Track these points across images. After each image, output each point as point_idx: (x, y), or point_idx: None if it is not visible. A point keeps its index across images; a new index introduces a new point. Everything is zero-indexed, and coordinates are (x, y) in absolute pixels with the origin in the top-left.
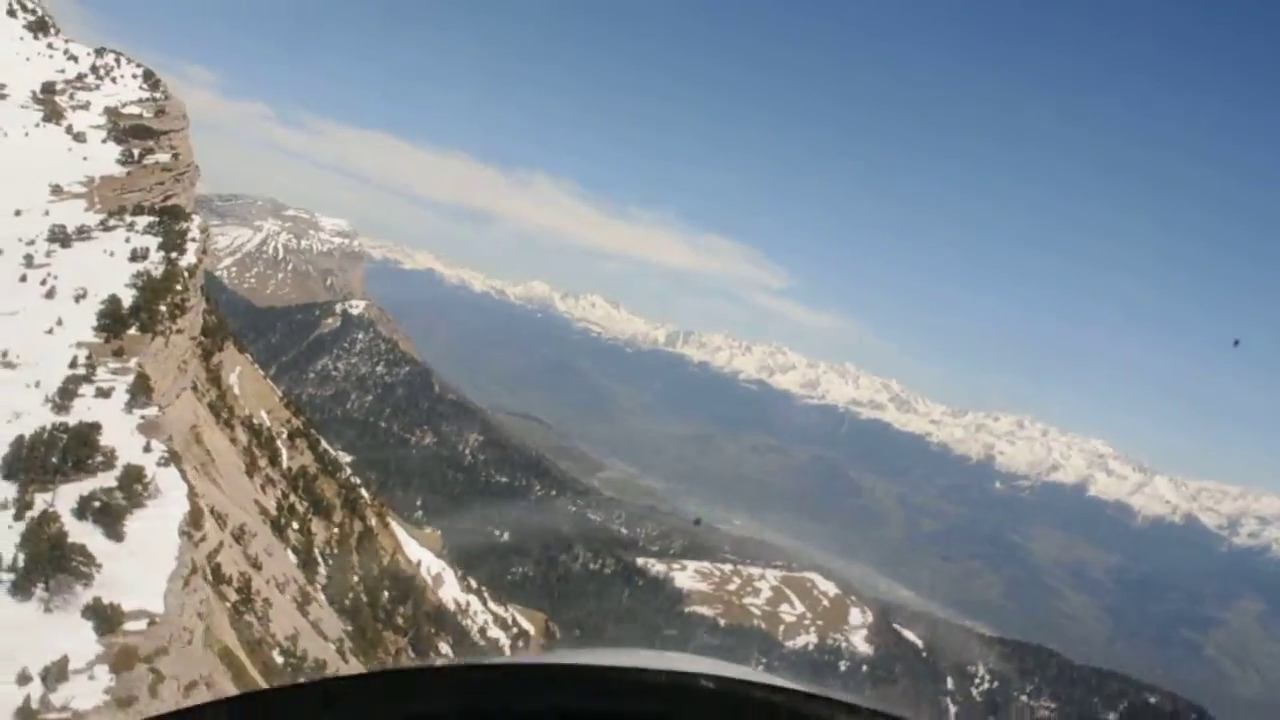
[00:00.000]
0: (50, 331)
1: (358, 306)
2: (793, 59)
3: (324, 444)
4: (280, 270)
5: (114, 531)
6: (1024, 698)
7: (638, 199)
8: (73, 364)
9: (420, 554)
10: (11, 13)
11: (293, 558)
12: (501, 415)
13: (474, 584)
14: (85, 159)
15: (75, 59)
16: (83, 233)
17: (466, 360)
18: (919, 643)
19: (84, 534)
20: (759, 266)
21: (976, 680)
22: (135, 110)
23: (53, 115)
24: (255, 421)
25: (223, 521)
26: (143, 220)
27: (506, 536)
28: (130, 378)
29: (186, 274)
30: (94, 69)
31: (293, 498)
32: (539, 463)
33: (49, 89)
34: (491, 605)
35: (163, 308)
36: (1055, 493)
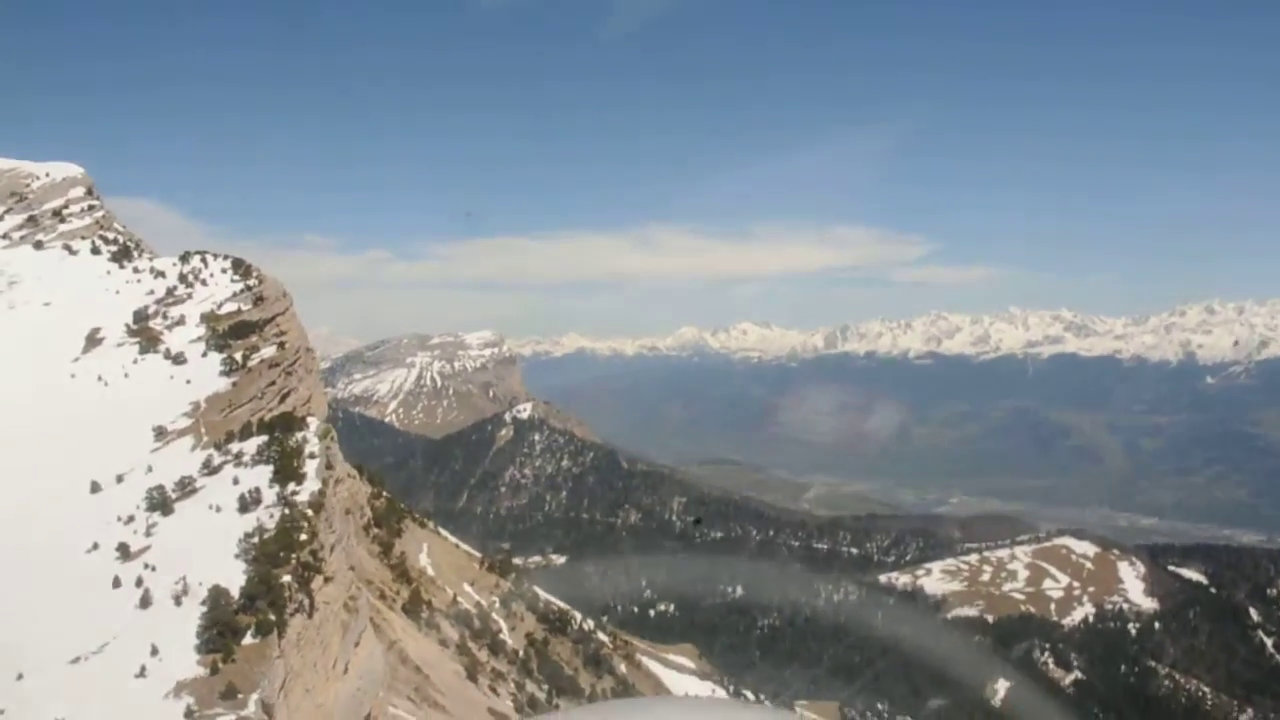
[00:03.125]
0: (142, 673)
1: (525, 409)
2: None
3: (542, 596)
4: (443, 397)
5: None
6: None
7: (756, 215)
8: None
9: (680, 681)
10: (95, 250)
11: None
12: (694, 468)
13: (748, 694)
14: (188, 382)
15: (163, 274)
16: (185, 487)
17: (643, 426)
18: (1203, 579)
19: None
20: (893, 243)
21: None
22: (232, 306)
23: (149, 344)
24: (461, 604)
25: None
26: (252, 445)
27: (739, 591)
28: None
29: (311, 511)
30: (182, 277)
31: (529, 685)
32: (746, 505)
33: (141, 316)
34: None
35: (286, 578)
36: (1275, 368)
